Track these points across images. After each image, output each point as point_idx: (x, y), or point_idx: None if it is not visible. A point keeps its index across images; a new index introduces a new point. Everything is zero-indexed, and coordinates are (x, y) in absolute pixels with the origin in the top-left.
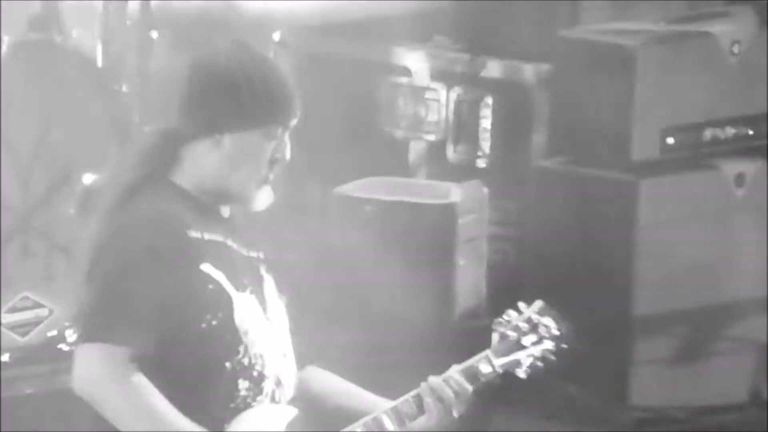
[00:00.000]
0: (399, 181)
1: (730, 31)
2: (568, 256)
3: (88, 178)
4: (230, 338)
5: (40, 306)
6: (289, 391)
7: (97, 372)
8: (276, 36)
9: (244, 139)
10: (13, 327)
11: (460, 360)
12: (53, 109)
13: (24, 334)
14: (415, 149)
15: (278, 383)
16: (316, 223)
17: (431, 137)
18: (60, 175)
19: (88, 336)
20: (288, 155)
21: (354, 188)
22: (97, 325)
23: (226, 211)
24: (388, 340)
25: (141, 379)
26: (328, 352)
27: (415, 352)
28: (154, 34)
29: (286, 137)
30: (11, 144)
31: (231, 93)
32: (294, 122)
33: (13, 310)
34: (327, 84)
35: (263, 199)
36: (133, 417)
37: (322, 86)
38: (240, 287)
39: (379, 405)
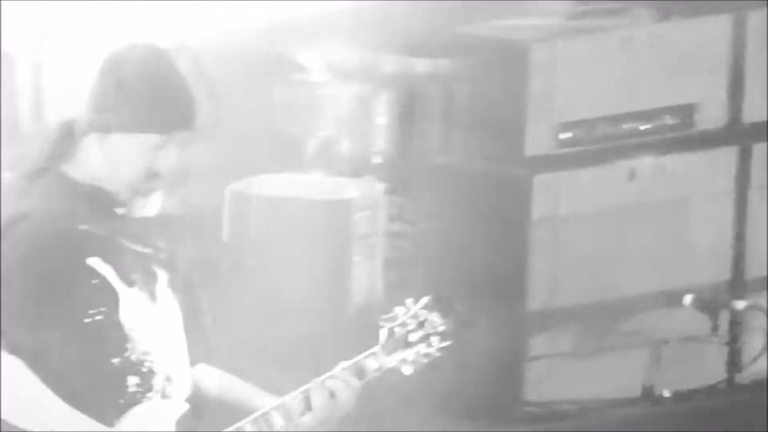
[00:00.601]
0: (293, 177)
1: (624, 27)
2: (463, 252)
3: None
4: (116, 334)
5: None
6: (180, 387)
7: None
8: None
9: (126, 141)
10: None
11: (354, 356)
12: None
13: None
14: (311, 145)
15: (168, 379)
16: (211, 221)
17: (326, 133)
18: None
19: None
20: (170, 169)
21: (247, 185)
22: None
23: (122, 207)
24: (281, 337)
25: (22, 371)
26: (220, 349)
27: (308, 349)
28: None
29: (173, 150)
30: None
31: (120, 93)
32: (185, 135)
33: None
34: (222, 81)
35: (145, 206)
36: (20, 408)
37: (217, 83)
38: (129, 283)
39: (268, 401)
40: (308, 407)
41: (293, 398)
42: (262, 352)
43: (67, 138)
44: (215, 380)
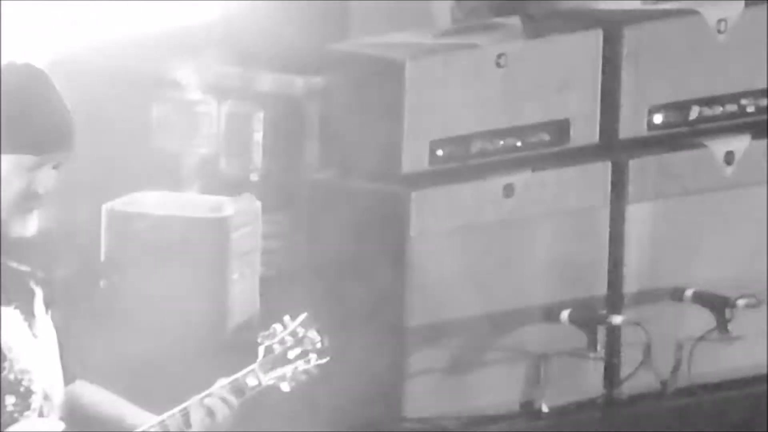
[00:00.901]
0: (171, 195)
1: (497, 43)
2: (342, 269)
3: None
4: None
5: None
6: (57, 406)
7: None
8: (49, 53)
9: (3, 162)
10: None
11: (234, 373)
12: None
13: None
14: (188, 163)
15: (46, 397)
16: (89, 239)
17: (203, 151)
18: None
19: None
20: (47, 189)
21: (124, 203)
22: None
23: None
24: (161, 354)
25: None
26: (99, 366)
27: (187, 366)
28: None
29: (50, 170)
30: None
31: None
32: (59, 157)
33: None
34: (97, 99)
35: (20, 227)
36: None
37: (93, 101)
38: (6, 302)
39: (147, 419)
40: (187, 425)
41: (172, 416)
42: (141, 370)
43: None
44: (92, 397)
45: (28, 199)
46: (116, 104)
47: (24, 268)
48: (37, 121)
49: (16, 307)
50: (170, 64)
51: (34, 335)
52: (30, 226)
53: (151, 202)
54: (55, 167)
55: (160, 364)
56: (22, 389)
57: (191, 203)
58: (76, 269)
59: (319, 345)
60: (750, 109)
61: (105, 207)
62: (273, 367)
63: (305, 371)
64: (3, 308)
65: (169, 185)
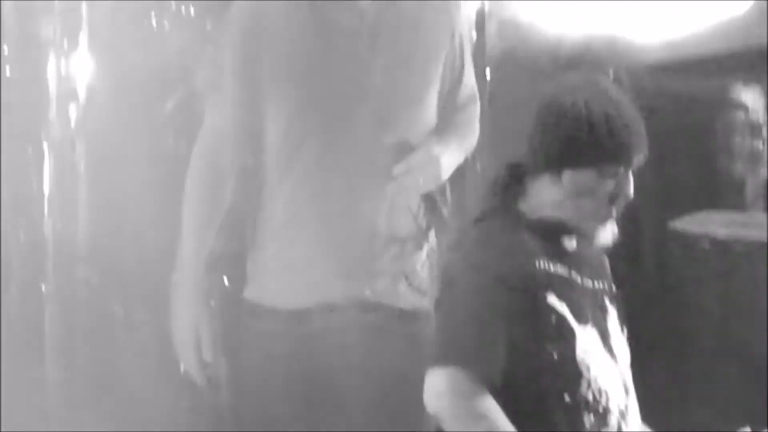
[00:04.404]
0: (735, 216)
1: None
2: None
3: None
4: (571, 372)
5: None
6: (633, 426)
7: (450, 396)
8: (610, 72)
9: (582, 176)
10: None
11: None
12: None
13: None
14: (753, 184)
15: (623, 417)
16: (652, 258)
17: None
18: None
19: (441, 360)
20: (630, 192)
21: (688, 222)
22: (450, 351)
23: (571, 242)
24: None
25: (493, 405)
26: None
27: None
28: None
29: (629, 175)
30: None
31: (571, 132)
32: (638, 160)
33: None
34: (662, 120)
35: (605, 234)
36: None
37: (657, 122)
38: (582, 320)
39: None
40: None
41: None
42: None
43: (515, 179)
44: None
45: (612, 203)
46: (681, 125)
47: (598, 285)
48: (618, 133)
49: (593, 326)
50: (736, 86)
51: (610, 354)
52: (612, 232)
53: (716, 222)
54: (631, 171)
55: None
56: (600, 409)
57: (756, 224)
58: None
59: None
60: None
61: (670, 225)
62: None
63: None
64: (581, 327)
65: (734, 206)
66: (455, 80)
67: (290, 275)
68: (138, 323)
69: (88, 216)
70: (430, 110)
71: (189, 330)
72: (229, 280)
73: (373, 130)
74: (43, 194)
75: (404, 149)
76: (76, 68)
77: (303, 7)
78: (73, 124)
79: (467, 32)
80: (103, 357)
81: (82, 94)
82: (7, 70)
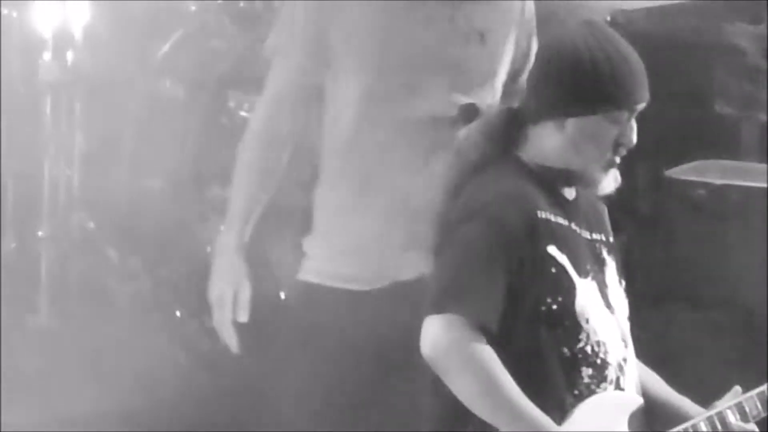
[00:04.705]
0: (730, 164)
1: None
2: None
3: None
4: (570, 324)
5: None
6: (631, 378)
7: (446, 342)
8: (607, 17)
9: (587, 122)
10: None
11: None
12: None
13: None
14: (747, 130)
15: (620, 370)
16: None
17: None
18: None
19: (437, 307)
20: (634, 139)
21: (684, 170)
22: (447, 297)
23: (570, 192)
24: None
25: (489, 353)
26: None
27: None
28: None
29: (632, 121)
30: None
31: (575, 78)
32: (641, 107)
33: None
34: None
35: (608, 182)
36: (477, 389)
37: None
38: (582, 272)
39: (691, 407)
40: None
41: (749, 399)
42: None
43: (516, 126)
44: (643, 376)
45: (616, 150)
46: (677, 71)
47: (597, 236)
48: (621, 77)
49: (592, 278)
50: (733, 30)
51: (608, 306)
52: (615, 180)
53: (712, 171)
54: (635, 118)
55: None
56: (598, 361)
57: (752, 172)
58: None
59: None
60: None
61: (667, 172)
62: None
63: None
64: (581, 279)
65: (729, 153)
66: (523, 57)
67: (361, 253)
68: (133, 269)
69: (84, 160)
70: (498, 86)
71: (228, 289)
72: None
73: (446, 104)
74: (39, 136)
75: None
76: (71, 11)
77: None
78: (69, 67)
79: (533, 9)
80: (97, 304)
81: (78, 37)
82: (3, 13)
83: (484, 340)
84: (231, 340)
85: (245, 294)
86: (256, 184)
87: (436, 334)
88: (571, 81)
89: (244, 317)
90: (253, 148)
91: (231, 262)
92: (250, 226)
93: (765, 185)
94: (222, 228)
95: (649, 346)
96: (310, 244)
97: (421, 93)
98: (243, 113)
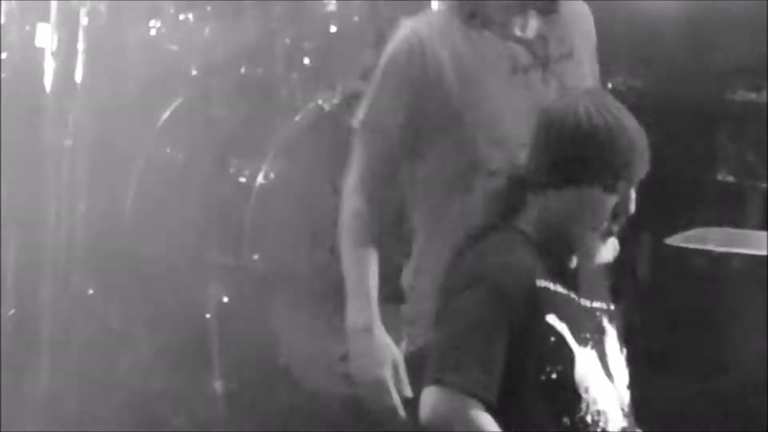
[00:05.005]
0: (733, 231)
1: None
2: None
3: None
4: (570, 394)
5: None
6: None
7: (445, 413)
8: (609, 84)
9: (585, 192)
10: (344, 376)
11: None
12: None
13: (355, 384)
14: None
15: None
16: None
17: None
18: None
19: (436, 378)
20: (632, 209)
21: (686, 238)
22: (447, 368)
23: (571, 260)
24: None
25: (489, 422)
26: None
27: None
28: None
29: (631, 191)
30: None
31: (575, 147)
32: (640, 176)
33: (345, 358)
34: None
35: (607, 251)
36: None
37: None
38: (582, 342)
39: None
40: None
41: None
42: None
43: (515, 193)
44: None
45: (615, 220)
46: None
47: (597, 305)
48: (622, 149)
49: (592, 347)
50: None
51: (608, 375)
52: (613, 249)
53: (712, 238)
54: (635, 187)
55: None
56: (598, 431)
57: (754, 240)
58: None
59: None
60: None
61: (667, 241)
62: None
63: None
64: (581, 348)
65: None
66: None
67: None
68: (133, 334)
69: (85, 223)
70: None
71: (384, 370)
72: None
73: None
74: (41, 202)
75: None
76: (73, 73)
77: (476, 46)
78: (70, 131)
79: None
80: (97, 370)
81: (79, 101)
82: (4, 74)
83: (485, 413)
84: (400, 417)
85: (403, 369)
86: (366, 259)
87: (435, 404)
88: (571, 150)
89: (409, 392)
90: (353, 227)
91: (378, 343)
92: (375, 300)
93: (766, 253)
94: (348, 312)
95: (650, 413)
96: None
97: (518, 153)
98: (242, 179)
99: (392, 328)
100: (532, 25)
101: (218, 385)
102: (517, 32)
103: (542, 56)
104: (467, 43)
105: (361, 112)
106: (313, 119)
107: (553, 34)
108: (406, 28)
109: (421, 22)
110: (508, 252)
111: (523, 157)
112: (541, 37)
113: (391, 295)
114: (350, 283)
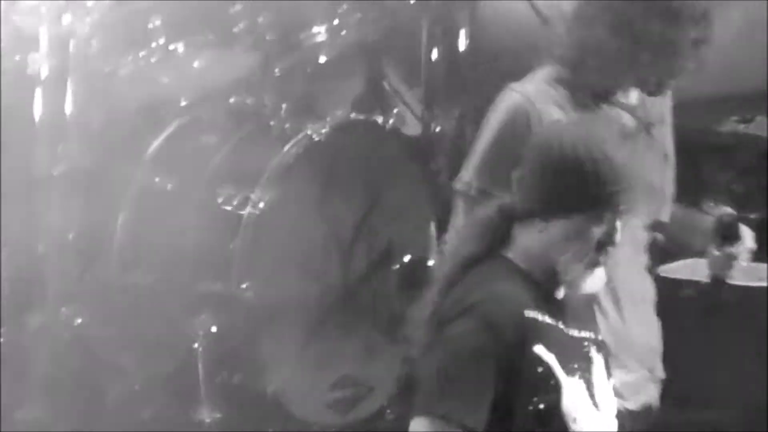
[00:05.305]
0: None
1: None
2: None
3: (407, 257)
4: (557, 424)
5: (359, 384)
6: None
7: None
8: None
9: (571, 222)
10: (333, 405)
11: None
12: (374, 189)
13: (343, 413)
14: None
15: None
16: None
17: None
18: (380, 254)
19: (424, 409)
20: (618, 239)
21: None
22: (435, 399)
23: (559, 291)
24: None
25: None
26: None
27: None
28: None
29: (617, 221)
30: (333, 223)
31: (559, 179)
32: (626, 206)
33: (334, 388)
34: None
35: (592, 281)
36: None
37: None
38: (569, 371)
39: None
40: None
41: None
42: None
43: (504, 224)
44: None
45: (600, 250)
46: None
47: (585, 334)
48: (610, 174)
49: (580, 377)
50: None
51: (596, 405)
52: (600, 279)
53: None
54: (621, 217)
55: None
56: None
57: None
58: None
59: None
60: None
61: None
62: None
63: None
64: (568, 378)
65: None
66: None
67: None
68: (123, 364)
69: (74, 252)
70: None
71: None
72: None
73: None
74: (30, 231)
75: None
76: (63, 103)
77: (587, 112)
78: (60, 159)
79: None
80: (87, 400)
81: (70, 129)
82: None
83: None
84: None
85: None
86: None
87: None
88: (556, 181)
89: None
90: None
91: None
92: None
93: (757, 283)
94: None
95: None
96: None
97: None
98: (231, 208)
99: None
100: (633, 93)
101: (206, 414)
102: (622, 99)
103: (645, 121)
104: (579, 109)
105: (467, 174)
106: (302, 149)
107: (649, 99)
108: (515, 93)
109: (529, 88)
110: (497, 282)
111: None
112: (642, 104)
113: None
114: None
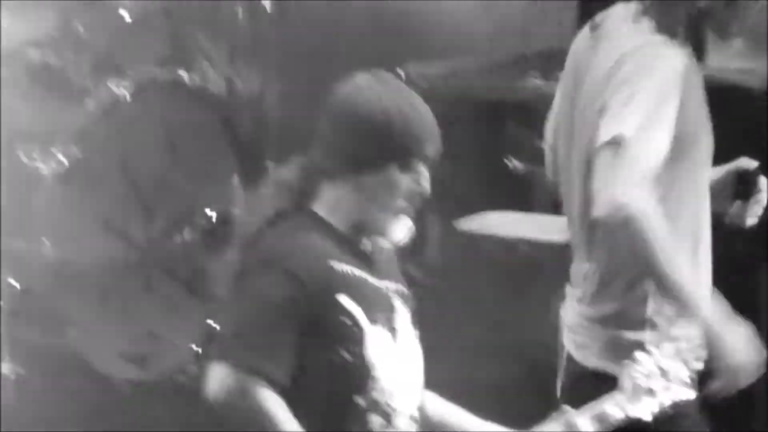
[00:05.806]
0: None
1: None
2: None
3: (211, 213)
4: (361, 373)
5: (161, 339)
6: (420, 426)
7: (231, 392)
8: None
9: (379, 174)
10: (134, 360)
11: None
12: (178, 146)
13: (145, 367)
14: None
15: (412, 418)
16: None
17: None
18: (183, 211)
19: (221, 355)
20: (427, 187)
21: (472, 223)
22: (238, 347)
23: (367, 243)
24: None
25: (276, 401)
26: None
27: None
28: None
29: (424, 169)
30: (136, 180)
31: (368, 133)
32: (433, 154)
33: (135, 343)
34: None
35: (401, 231)
36: None
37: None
38: (373, 321)
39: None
40: None
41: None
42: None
43: (308, 182)
44: (439, 409)
45: (410, 199)
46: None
47: (390, 285)
48: (412, 125)
49: (382, 326)
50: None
51: (400, 354)
52: (408, 229)
53: (498, 222)
54: (428, 167)
55: (501, 384)
56: (388, 410)
57: (538, 225)
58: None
59: (686, 379)
60: None
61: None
62: (637, 398)
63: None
64: (372, 327)
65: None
66: None
67: None
68: None
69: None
70: None
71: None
72: None
73: None
74: None
75: None
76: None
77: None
78: None
79: None
80: None
81: None
82: None
83: (272, 392)
84: None
85: None
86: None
87: (222, 380)
88: (364, 136)
89: None
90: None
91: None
92: None
93: (553, 239)
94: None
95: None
96: None
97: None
98: (29, 165)
99: None
100: None
101: (9, 370)
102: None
103: None
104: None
105: (628, 127)
106: (105, 106)
107: None
108: (677, 50)
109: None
110: (300, 235)
111: None
112: None
113: None
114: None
